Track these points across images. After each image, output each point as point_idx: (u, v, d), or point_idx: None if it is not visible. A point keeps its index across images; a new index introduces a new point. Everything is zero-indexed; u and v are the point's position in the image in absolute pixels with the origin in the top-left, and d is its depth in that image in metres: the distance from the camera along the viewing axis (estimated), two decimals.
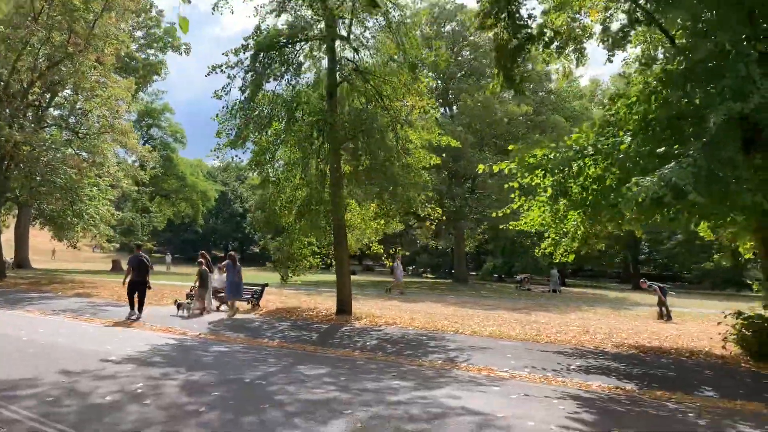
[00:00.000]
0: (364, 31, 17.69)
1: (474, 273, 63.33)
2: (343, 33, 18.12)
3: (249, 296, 19.53)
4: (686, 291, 49.25)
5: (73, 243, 29.02)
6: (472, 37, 39.98)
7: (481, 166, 12.59)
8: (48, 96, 28.97)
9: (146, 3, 41.46)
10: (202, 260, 18.66)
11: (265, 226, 24.24)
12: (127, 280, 16.88)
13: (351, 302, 18.16)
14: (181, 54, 47.57)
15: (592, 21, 15.83)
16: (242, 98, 16.46)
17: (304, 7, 17.70)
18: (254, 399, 7.77)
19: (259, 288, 19.86)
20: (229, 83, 16.41)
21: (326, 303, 22.07)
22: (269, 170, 18.62)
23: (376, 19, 17.48)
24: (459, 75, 41.87)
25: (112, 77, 30.68)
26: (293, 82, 17.45)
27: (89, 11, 27.18)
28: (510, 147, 11.57)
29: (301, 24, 17.23)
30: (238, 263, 18.65)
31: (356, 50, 18.08)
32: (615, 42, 15.54)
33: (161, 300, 21.02)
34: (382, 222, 18.23)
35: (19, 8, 27.26)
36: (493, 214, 15.12)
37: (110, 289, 24.77)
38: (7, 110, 26.74)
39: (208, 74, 16.29)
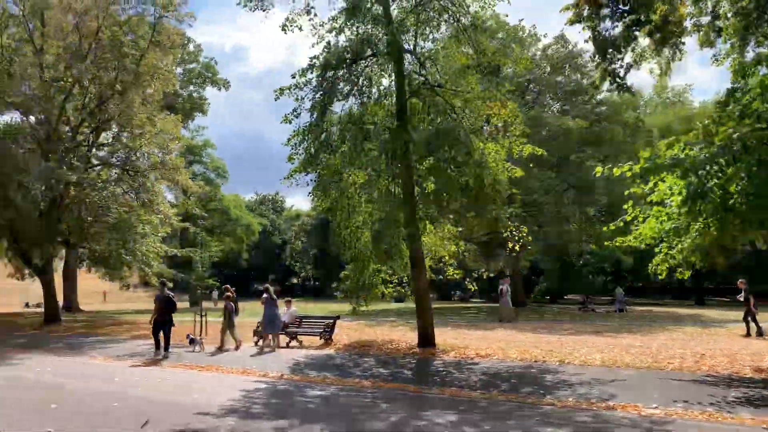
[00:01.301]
0: (432, 42, 16.58)
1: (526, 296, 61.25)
2: (406, 47, 17.06)
3: (321, 330, 18.27)
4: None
5: (125, 283, 28.26)
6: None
7: (598, 169, 11.15)
8: (96, 135, 28.51)
9: (185, 38, 41.37)
10: (229, 294, 18.18)
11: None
12: (153, 318, 16.67)
13: (434, 333, 16.76)
14: (220, 89, 47.39)
15: (680, 15, 14.51)
16: (312, 120, 15.44)
17: (366, 22, 16.69)
18: None
19: (331, 321, 18.58)
20: (298, 106, 15.43)
21: (400, 334, 20.71)
22: (336, 194, 17.43)
23: (445, 27, 16.40)
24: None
25: (159, 114, 30.24)
26: (361, 100, 16.36)
27: (138, 48, 26.81)
28: (640, 153, 10.07)
29: (365, 39, 16.21)
30: (274, 296, 18.09)
31: (422, 64, 16.98)
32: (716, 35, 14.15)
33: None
34: (462, 244, 16.87)
35: (67, 49, 27.04)
36: (604, 228, 13.65)
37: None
38: (59, 151, 26.31)
39: (277, 98, 15.37)
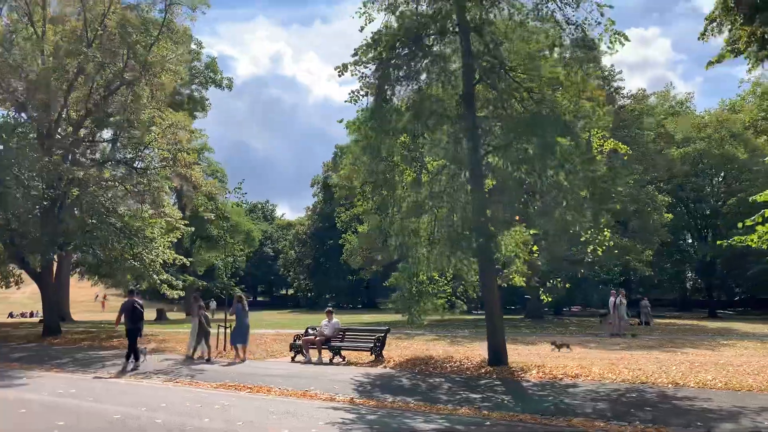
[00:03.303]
0: (508, 17, 14.65)
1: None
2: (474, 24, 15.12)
3: (371, 345, 16.14)
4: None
5: (127, 289, 25.85)
6: None
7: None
8: (100, 129, 26.19)
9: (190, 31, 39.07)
10: (201, 304, 17.84)
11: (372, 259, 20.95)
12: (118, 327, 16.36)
13: (506, 349, 14.75)
14: (222, 89, 45.14)
15: None
16: (374, 100, 13.49)
17: None
18: None
19: (381, 334, 16.44)
20: (359, 86, 13.48)
21: (452, 348, 18.72)
22: (387, 192, 15.35)
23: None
24: None
25: (167, 110, 28.03)
26: (426, 81, 14.41)
27: (148, 34, 24.61)
28: None
29: (429, 14, 14.31)
30: (246, 306, 17.46)
31: (487, 45, 15.02)
32: None
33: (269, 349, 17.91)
34: (535, 249, 14.90)
35: (71, 35, 24.82)
36: (739, 225, 11.82)
37: (180, 342, 21.49)
38: (61, 146, 24.02)
39: (341, 73, 13.40)
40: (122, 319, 15.87)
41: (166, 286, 25.36)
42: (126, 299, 16.49)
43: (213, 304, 49.52)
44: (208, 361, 16.67)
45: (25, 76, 24.53)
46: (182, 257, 26.31)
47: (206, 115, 45.50)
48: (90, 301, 51.09)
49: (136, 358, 15.76)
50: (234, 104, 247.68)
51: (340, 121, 14.43)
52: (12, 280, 35.67)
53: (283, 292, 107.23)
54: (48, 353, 19.38)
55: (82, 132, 26.07)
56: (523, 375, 13.33)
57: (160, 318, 43.25)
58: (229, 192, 17.89)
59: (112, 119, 25.62)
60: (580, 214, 12.73)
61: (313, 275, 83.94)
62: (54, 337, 23.79)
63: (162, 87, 25.63)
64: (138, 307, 15.95)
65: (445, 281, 15.77)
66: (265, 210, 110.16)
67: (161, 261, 24.97)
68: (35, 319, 50.96)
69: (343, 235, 47.53)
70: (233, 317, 17.51)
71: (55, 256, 34.04)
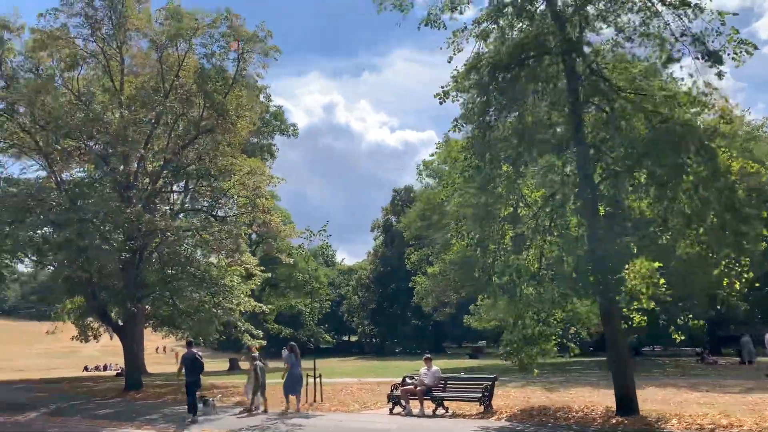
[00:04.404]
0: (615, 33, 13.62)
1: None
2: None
3: (479, 395, 14.79)
4: None
5: (209, 341, 25.41)
6: None
7: None
8: (180, 179, 26.20)
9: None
10: (255, 354, 18.01)
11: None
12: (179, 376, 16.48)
13: (636, 396, 13.18)
14: (288, 137, 45.41)
15: None
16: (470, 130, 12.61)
17: (526, 18, 13.89)
18: None
19: (489, 383, 15.06)
20: (462, 113, 12.61)
21: (567, 395, 17.16)
22: (490, 226, 14.25)
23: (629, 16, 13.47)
24: None
25: (241, 156, 27.93)
26: (530, 108, 13.42)
27: (224, 82, 24.63)
28: None
29: (533, 36, 13.42)
30: (299, 356, 17.29)
31: (591, 66, 13.95)
32: None
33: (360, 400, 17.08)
34: (662, 283, 13.37)
35: (146, 85, 25.15)
36: None
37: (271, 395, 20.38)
38: (141, 197, 24.02)
39: (442, 101, 12.62)
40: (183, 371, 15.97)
41: (247, 335, 24.71)
42: (185, 351, 16.43)
43: (284, 353, 48.80)
44: (265, 412, 16.48)
45: (104, 129, 24.83)
46: (260, 304, 25.65)
47: (273, 163, 45.71)
48: (153, 352, 51.10)
49: (194, 412, 15.69)
50: (289, 153, 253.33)
51: (432, 155, 13.40)
52: (90, 333, 36.09)
53: (346, 338, 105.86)
54: (134, 409, 18.77)
55: (160, 183, 26.11)
56: (663, 426, 11.75)
57: (233, 368, 42.71)
58: (313, 235, 17.40)
59: (188, 168, 25.62)
60: (720, 241, 11.31)
61: (377, 320, 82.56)
62: (136, 391, 23.25)
63: (237, 134, 25.52)
64: (198, 358, 15.97)
65: (556, 321, 14.28)
66: (325, 255, 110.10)
67: (240, 310, 24.39)
68: (109, 373, 51.41)
69: (413, 278, 46.36)
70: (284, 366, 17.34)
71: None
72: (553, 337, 14.55)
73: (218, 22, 24.95)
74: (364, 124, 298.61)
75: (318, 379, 18.23)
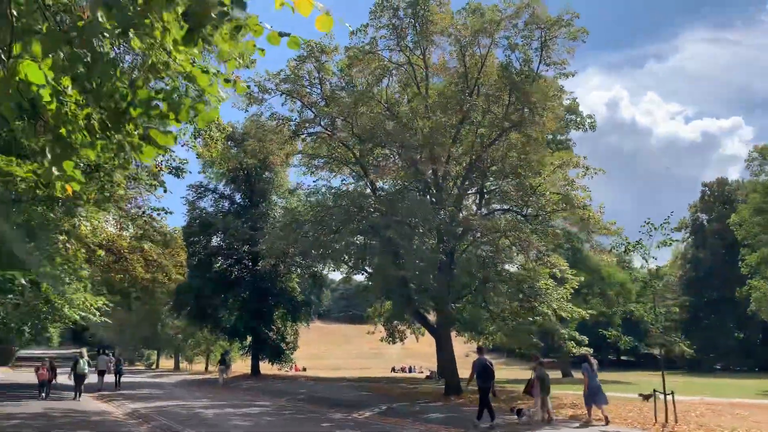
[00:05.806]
0: None
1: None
2: None
3: None
4: None
5: (528, 348, 23.96)
6: None
7: None
8: (487, 179, 25.40)
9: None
10: (542, 362, 17.86)
11: None
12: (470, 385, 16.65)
13: None
14: (586, 130, 42.34)
15: None
16: None
17: None
18: None
19: None
20: None
21: None
22: None
23: None
24: None
25: (548, 150, 26.12)
26: None
27: (530, 73, 23.18)
28: None
29: None
30: (595, 366, 16.78)
31: None
32: None
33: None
34: None
35: (453, 85, 24.92)
36: None
37: (618, 410, 17.93)
38: (450, 198, 23.72)
39: None
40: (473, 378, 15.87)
41: (572, 342, 22.69)
42: (477, 357, 16.26)
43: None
44: (550, 422, 16.15)
45: (413, 135, 25.20)
46: (581, 310, 23.32)
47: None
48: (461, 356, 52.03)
49: (492, 418, 15.53)
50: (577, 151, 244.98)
51: None
52: (397, 336, 37.51)
53: (647, 350, 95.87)
54: (464, 414, 18.01)
55: (466, 183, 25.66)
56: None
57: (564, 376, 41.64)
58: (654, 228, 15.00)
59: (494, 167, 24.70)
60: None
61: (690, 332, 73.01)
62: (457, 395, 22.78)
63: (544, 127, 23.82)
64: (489, 365, 15.89)
65: None
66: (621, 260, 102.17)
67: (561, 316, 22.47)
68: (416, 375, 53.70)
69: (749, 281, 39.37)
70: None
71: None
72: None
73: (521, 11, 23.69)
74: (652, 118, 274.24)
75: (669, 397, 15.43)
